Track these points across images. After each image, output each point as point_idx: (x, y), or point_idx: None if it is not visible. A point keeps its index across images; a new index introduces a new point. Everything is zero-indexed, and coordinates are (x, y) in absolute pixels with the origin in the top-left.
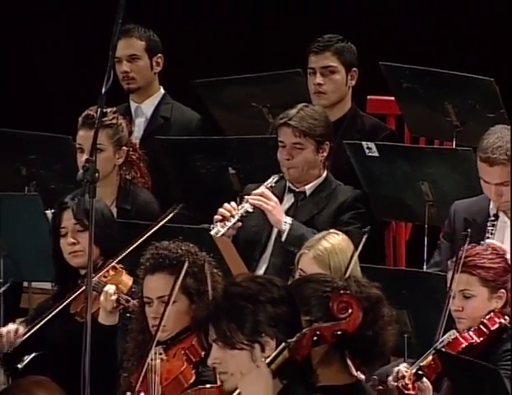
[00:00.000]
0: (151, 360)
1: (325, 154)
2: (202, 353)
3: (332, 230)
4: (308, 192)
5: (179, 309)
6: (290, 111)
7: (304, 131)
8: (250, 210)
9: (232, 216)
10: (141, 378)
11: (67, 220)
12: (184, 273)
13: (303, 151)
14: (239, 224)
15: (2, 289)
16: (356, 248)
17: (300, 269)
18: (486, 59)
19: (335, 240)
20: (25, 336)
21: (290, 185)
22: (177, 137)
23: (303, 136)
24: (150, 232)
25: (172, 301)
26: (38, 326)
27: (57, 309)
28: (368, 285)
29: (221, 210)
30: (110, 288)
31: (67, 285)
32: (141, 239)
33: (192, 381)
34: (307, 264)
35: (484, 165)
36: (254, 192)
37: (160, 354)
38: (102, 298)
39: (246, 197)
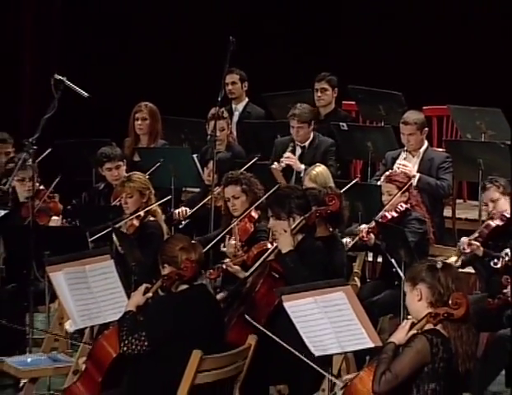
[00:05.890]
0: (234, 223)
1: (312, 126)
2: (257, 216)
3: (317, 164)
4: (306, 145)
5: (242, 200)
6: (294, 110)
7: (301, 119)
8: (284, 165)
9: (280, 165)
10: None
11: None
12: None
13: (303, 128)
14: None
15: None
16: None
17: (304, 185)
18: (398, 83)
19: (319, 169)
20: (190, 212)
21: (298, 143)
22: (253, 121)
23: (301, 122)
24: (245, 166)
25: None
26: (196, 208)
27: (202, 203)
28: (335, 189)
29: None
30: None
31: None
32: (242, 169)
33: (252, 230)
34: (307, 182)
35: (403, 125)
36: (284, 155)
37: (236, 221)
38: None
39: (282, 159)
